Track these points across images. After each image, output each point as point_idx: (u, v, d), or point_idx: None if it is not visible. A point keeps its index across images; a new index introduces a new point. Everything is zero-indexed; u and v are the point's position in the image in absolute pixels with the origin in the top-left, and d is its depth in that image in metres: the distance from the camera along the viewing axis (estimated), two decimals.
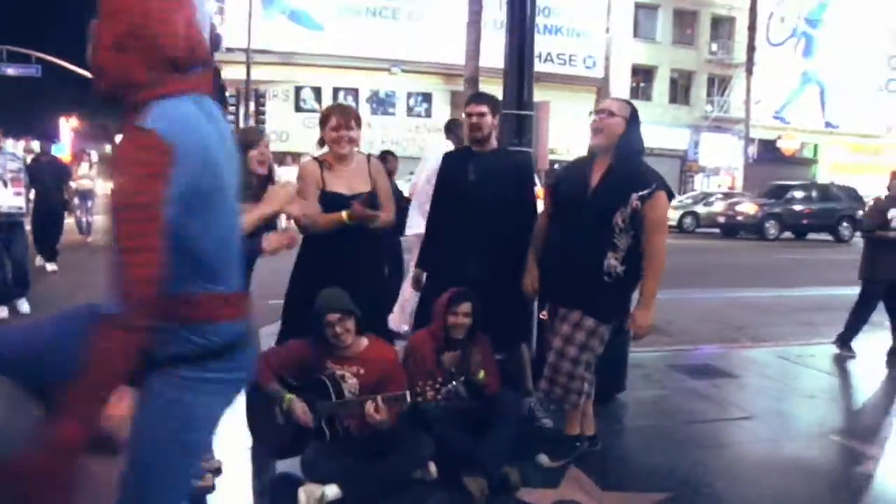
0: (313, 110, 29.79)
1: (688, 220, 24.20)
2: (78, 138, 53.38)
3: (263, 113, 25.09)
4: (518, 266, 4.05)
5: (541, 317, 4.46)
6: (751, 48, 32.97)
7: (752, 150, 34.48)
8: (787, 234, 22.64)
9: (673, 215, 21.67)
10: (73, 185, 12.60)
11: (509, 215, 4.06)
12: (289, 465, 3.50)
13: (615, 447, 4.07)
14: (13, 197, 6.97)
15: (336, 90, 30.07)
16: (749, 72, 32.73)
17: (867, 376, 6.07)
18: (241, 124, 25.60)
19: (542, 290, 3.83)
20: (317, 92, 30.30)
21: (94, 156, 16.17)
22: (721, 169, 36.24)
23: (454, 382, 3.27)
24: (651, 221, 3.46)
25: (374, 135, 28.62)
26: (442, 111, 31.84)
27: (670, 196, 3.58)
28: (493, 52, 26.34)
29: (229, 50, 25.82)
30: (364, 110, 30.83)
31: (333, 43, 28.49)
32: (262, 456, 3.63)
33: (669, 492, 3.49)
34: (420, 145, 27.26)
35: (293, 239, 3.25)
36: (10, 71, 30.41)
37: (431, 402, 3.25)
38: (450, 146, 5.67)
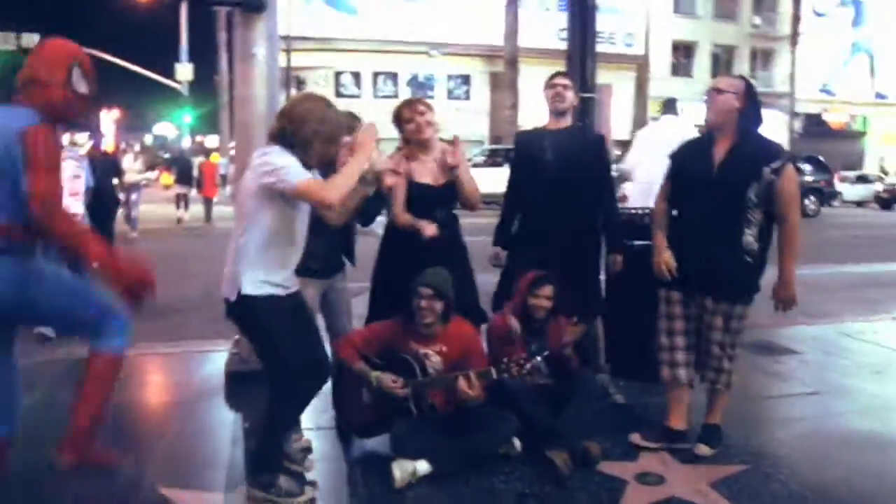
0: (353, 95, 30.04)
1: None
2: (120, 130, 54.44)
3: None
4: (592, 242, 4.15)
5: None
6: (796, 19, 32.26)
7: (798, 124, 33.82)
8: None
9: None
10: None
11: (585, 191, 4.14)
12: (375, 444, 3.67)
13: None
14: (73, 203, 6.36)
15: (375, 74, 30.26)
16: (794, 44, 32.04)
17: None
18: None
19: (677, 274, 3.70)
20: (356, 77, 30.51)
21: (137, 147, 15.63)
22: None
23: (538, 358, 3.39)
24: (787, 194, 3.43)
25: None
26: (481, 93, 31.86)
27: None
28: (533, 33, 26.37)
29: None
30: (404, 94, 30.91)
31: (372, 27, 28.60)
32: (348, 434, 3.80)
33: (744, 464, 3.57)
34: (460, 128, 27.27)
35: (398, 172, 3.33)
36: None
37: (516, 378, 3.38)
38: (672, 120, 5.81)
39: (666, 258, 3.66)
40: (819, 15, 35.04)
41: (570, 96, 4.23)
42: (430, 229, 3.76)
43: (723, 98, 3.52)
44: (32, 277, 2.91)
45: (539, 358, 3.42)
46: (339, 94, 30.11)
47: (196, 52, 32.27)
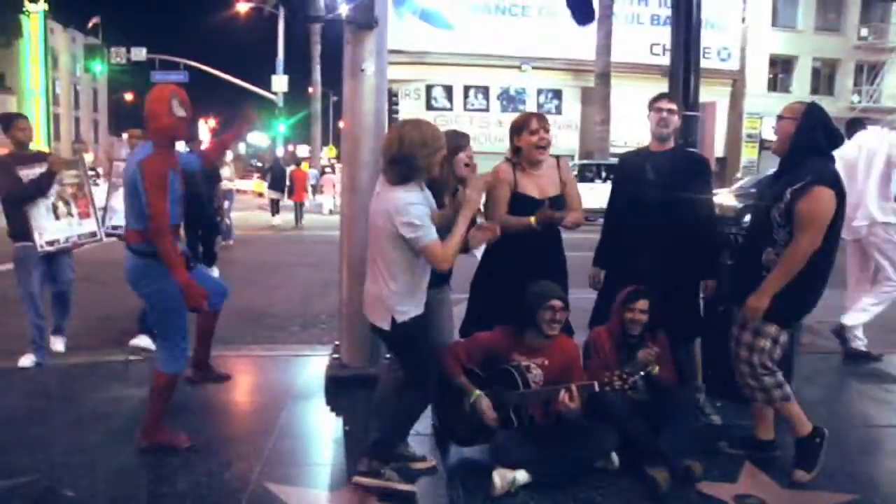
0: (445, 108, 30.40)
1: None
2: (214, 139, 56.62)
3: (396, 112, 25.63)
4: (692, 264, 4.13)
5: None
6: None
7: None
8: None
9: None
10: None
11: (686, 213, 4.13)
12: (473, 452, 3.75)
13: (790, 447, 4.04)
14: (78, 223, 5.49)
15: (467, 88, 30.54)
16: None
17: None
18: None
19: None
20: (448, 90, 30.85)
21: (230, 155, 16.14)
22: None
23: (642, 373, 3.40)
24: (801, 215, 3.39)
25: (504, 132, 28.66)
26: (572, 107, 31.70)
27: (839, 193, 3.44)
28: (625, 48, 26.00)
29: None
30: (495, 108, 31.10)
31: (464, 41, 28.87)
32: (446, 442, 3.87)
33: (851, 494, 3.46)
34: (552, 142, 27.16)
35: (493, 230, 3.40)
36: (159, 77, 32.41)
37: (617, 393, 3.39)
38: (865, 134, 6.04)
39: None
40: None
41: (675, 120, 4.22)
42: (572, 216, 3.96)
43: (783, 124, 3.59)
44: (146, 276, 3.68)
45: (642, 373, 3.42)
46: (430, 107, 30.51)
47: (290, 65, 33.43)
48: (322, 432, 4.16)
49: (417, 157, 3.17)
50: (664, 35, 31.74)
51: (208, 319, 4.66)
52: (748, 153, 32.86)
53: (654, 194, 4.15)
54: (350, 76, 4.68)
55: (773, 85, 33.83)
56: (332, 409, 4.48)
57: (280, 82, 32.71)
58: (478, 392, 3.58)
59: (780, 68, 34.20)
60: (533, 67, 30.61)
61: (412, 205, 3.14)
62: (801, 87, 33.71)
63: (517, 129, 4.05)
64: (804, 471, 3.58)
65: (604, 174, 21.12)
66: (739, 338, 3.63)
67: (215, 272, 8.35)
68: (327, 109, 49.29)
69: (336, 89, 52.04)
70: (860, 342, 5.93)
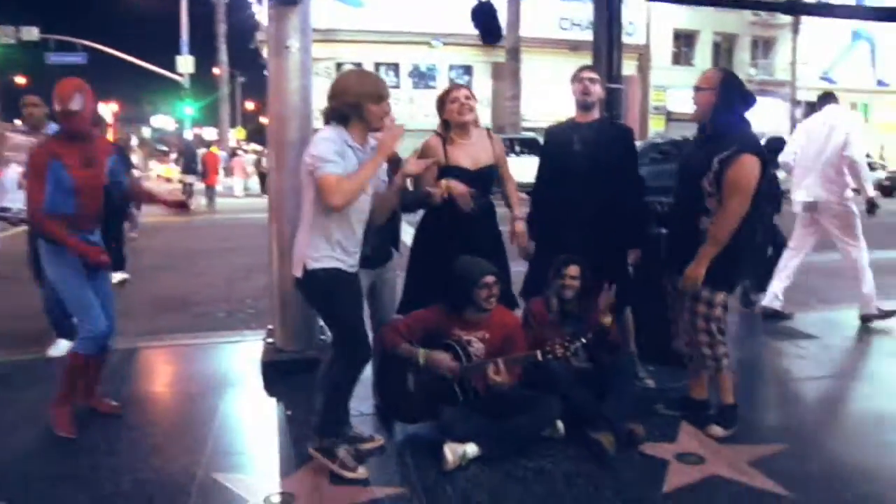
0: (392, 86, 30.02)
1: None
2: (118, 124, 54.27)
3: None
4: (622, 234, 4.23)
5: None
6: None
7: (799, 112, 33.85)
8: None
9: None
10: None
11: (614, 184, 4.21)
12: (418, 430, 3.76)
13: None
14: None
15: (377, 65, 30.11)
16: (795, 32, 32.03)
17: None
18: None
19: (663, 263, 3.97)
20: (395, 68, 30.56)
21: (135, 140, 15.55)
22: (766, 133, 35.58)
23: (582, 339, 3.47)
24: (728, 182, 3.52)
25: (416, 109, 28.69)
26: (483, 83, 31.77)
27: (763, 159, 3.59)
28: (534, 22, 26.17)
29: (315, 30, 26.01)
30: (406, 85, 30.92)
31: (374, 18, 28.55)
32: (391, 421, 3.86)
33: (781, 444, 3.65)
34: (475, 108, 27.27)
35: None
36: (55, 59, 30.71)
37: (560, 361, 3.45)
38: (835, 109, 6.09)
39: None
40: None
41: (597, 89, 4.28)
42: (459, 189, 3.86)
43: (701, 95, 3.68)
44: (47, 261, 3.76)
45: (584, 339, 3.49)
46: None
47: (195, 45, 32.27)
48: (263, 419, 4.07)
49: (348, 94, 3.12)
50: (573, 10, 32.40)
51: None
52: (655, 125, 33.82)
53: (581, 165, 4.21)
54: (274, 54, 4.54)
55: (678, 59, 34.90)
56: (272, 395, 4.40)
57: (185, 63, 31.49)
58: (423, 350, 3.58)
59: (683, 42, 35.30)
60: (444, 43, 30.53)
61: (323, 140, 3.10)
62: (703, 61, 34.88)
63: (441, 103, 4.07)
64: (722, 427, 3.77)
65: (517, 149, 21.31)
66: (695, 309, 3.71)
67: (118, 277, 7.77)
68: (234, 91, 47.86)
69: (243, 70, 50.66)
70: (778, 302, 6.23)
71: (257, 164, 28.05)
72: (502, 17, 23.60)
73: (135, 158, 10.27)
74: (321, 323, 4.92)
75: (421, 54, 30.85)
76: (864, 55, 36.83)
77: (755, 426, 3.91)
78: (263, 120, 46.06)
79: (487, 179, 4.13)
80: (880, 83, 37.18)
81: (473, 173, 4.02)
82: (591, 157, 4.19)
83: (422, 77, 31.25)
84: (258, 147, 35.98)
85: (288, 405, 4.16)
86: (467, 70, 32.11)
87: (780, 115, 34.24)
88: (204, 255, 10.97)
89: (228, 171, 29.27)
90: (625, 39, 22.47)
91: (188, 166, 21.31)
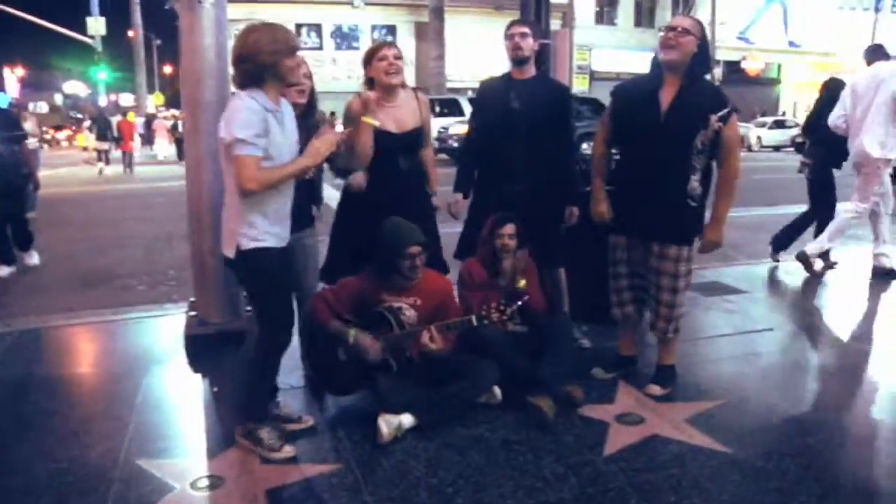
0: (314, 47, 29.21)
1: None
2: (24, 89, 51.47)
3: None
4: (554, 192, 4.15)
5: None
6: None
7: (718, 71, 34.59)
8: None
9: None
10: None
11: (550, 141, 4.11)
12: (350, 401, 3.62)
13: (653, 363, 4.22)
14: None
15: (298, 26, 29.32)
16: None
17: (857, 285, 6.34)
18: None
19: (617, 220, 3.81)
20: (317, 29, 29.85)
21: (31, 107, 14.57)
22: None
23: (519, 302, 3.38)
24: (730, 140, 3.49)
25: (339, 70, 28.16)
26: (407, 43, 31.32)
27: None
28: None
29: None
30: (328, 46, 30.26)
31: None
32: (321, 393, 3.71)
33: (717, 400, 3.67)
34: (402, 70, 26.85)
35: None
36: None
37: (496, 325, 3.36)
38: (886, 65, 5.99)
39: (603, 209, 3.82)
40: None
41: (530, 44, 4.15)
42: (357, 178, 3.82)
43: (688, 40, 3.44)
44: None
45: (520, 302, 3.40)
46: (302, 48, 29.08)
47: (106, 5, 30.65)
48: (189, 397, 3.85)
49: (262, 53, 2.86)
50: None
51: None
52: (579, 84, 34.06)
53: (519, 121, 4.10)
54: (187, 8, 4.23)
55: (601, 18, 35.09)
56: (196, 371, 4.19)
57: (97, 25, 29.85)
58: (354, 330, 3.44)
59: (606, 2, 35.48)
60: (366, 3, 29.93)
61: (243, 110, 2.83)
62: (626, 20, 35.28)
63: (367, 60, 3.86)
64: (660, 386, 3.78)
65: (437, 109, 21.06)
66: (675, 270, 3.62)
67: (35, 258, 7.48)
68: (151, 54, 45.86)
69: (159, 32, 48.67)
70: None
71: (173, 129, 27.14)
72: None
73: (28, 125, 9.49)
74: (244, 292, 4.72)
75: (343, 14, 30.16)
76: (777, 17, 37.84)
77: (691, 384, 3.91)
78: None
79: (415, 143, 3.98)
80: (792, 44, 38.31)
81: (401, 137, 3.87)
82: (528, 114, 4.07)
83: (344, 38, 30.62)
84: (177, 112, 34.71)
85: (214, 381, 3.97)
86: (391, 30, 31.59)
87: None
88: (123, 224, 10.52)
89: (148, 138, 28.31)
90: None
91: (102, 133, 21.09)
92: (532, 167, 4.08)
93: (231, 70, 3.04)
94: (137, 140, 25.41)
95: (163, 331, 4.91)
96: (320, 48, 30.24)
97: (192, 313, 4.60)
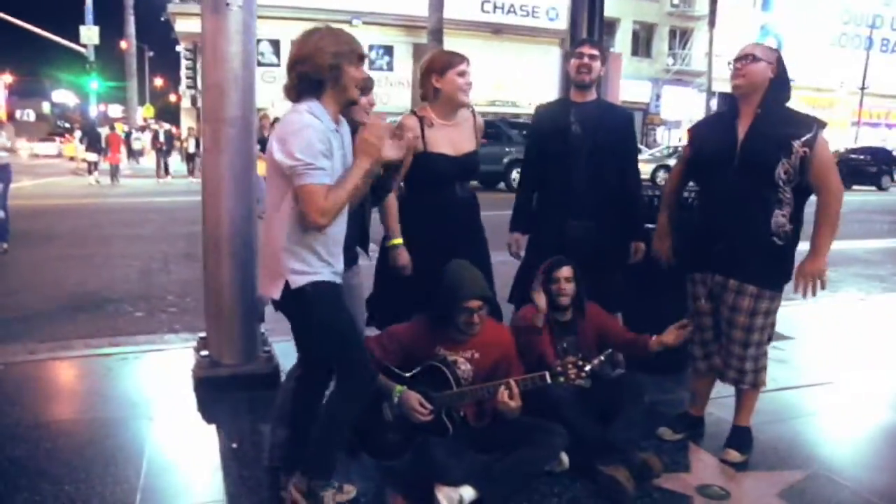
0: (272, 64, 28.79)
1: (661, 174, 24.04)
2: (11, 97, 50.73)
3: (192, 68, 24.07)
4: (625, 227, 3.75)
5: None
6: (713, 1, 32.86)
7: (714, 102, 34.59)
8: None
9: (645, 169, 21.37)
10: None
11: (615, 170, 3.72)
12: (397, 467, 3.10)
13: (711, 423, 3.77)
14: None
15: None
16: (711, 24, 32.66)
17: None
18: (200, 79, 24.53)
19: (690, 260, 3.45)
20: (275, 45, 29.22)
21: (30, 115, 14.24)
22: (682, 121, 36.35)
23: (601, 357, 2.93)
24: (821, 164, 3.08)
25: None
26: (404, 64, 31.15)
27: None
28: (456, 4, 25.78)
29: (183, 1, 24.55)
30: None
31: None
32: (360, 458, 3.17)
33: (803, 469, 3.27)
34: (383, 100, 26.56)
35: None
36: None
37: (573, 383, 2.90)
38: None
39: (666, 246, 3.51)
40: None
41: (598, 66, 3.76)
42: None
43: (759, 67, 3.16)
44: None
45: (602, 357, 2.94)
46: (258, 63, 28.68)
47: (100, 15, 30.17)
48: (204, 455, 3.30)
49: (324, 54, 2.43)
50: None
51: None
52: None
53: (579, 147, 3.71)
54: (211, 10, 3.80)
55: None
56: (210, 422, 3.65)
57: (90, 34, 29.22)
58: (400, 387, 2.97)
59: (605, 30, 35.43)
60: (364, 23, 29.65)
61: (305, 128, 2.39)
62: (623, 49, 35.17)
63: (439, 69, 3.39)
64: (738, 451, 3.37)
65: None
66: (752, 321, 3.24)
67: None
68: (143, 66, 45.36)
69: (152, 44, 48.17)
70: None
71: (154, 140, 26.65)
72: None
73: (2, 138, 8.64)
74: (262, 330, 4.24)
75: None
76: None
77: (767, 447, 3.48)
78: (173, 98, 44.05)
79: (472, 167, 3.56)
80: None
81: (457, 161, 3.44)
82: (591, 140, 3.68)
83: None
84: (167, 125, 34.13)
85: (231, 434, 3.45)
86: (388, 51, 31.40)
87: (697, 104, 34.94)
88: (115, 242, 9.95)
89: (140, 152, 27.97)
90: (547, 24, 22.56)
91: (91, 144, 21.15)
92: (598, 200, 3.68)
93: (284, 78, 2.56)
94: (123, 152, 25.23)
95: (167, 369, 4.39)
96: None
97: (204, 353, 4.09)
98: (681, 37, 36.86)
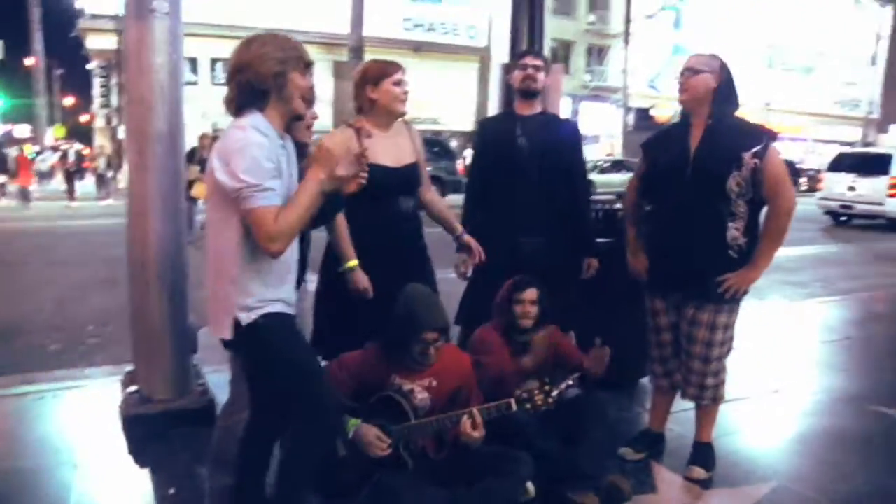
0: (190, 82, 27.98)
1: None
2: None
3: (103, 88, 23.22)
4: (576, 243, 3.65)
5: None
6: (628, 19, 33.81)
7: (631, 117, 35.53)
8: None
9: None
10: None
11: (564, 184, 3.61)
12: None
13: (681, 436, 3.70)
14: None
15: (214, 61, 28.35)
16: (627, 42, 33.60)
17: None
18: (114, 97, 23.70)
19: (651, 279, 3.36)
20: (193, 63, 28.41)
21: None
22: (600, 136, 37.15)
23: (569, 382, 2.77)
24: (773, 176, 3.04)
25: None
26: (325, 82, 30.71)
27: None
28: (377, 22, 25.67)
29: (94, 17, 23.64)
30: None
31: (209, 11, 26.72)
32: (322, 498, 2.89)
33: (767, 482, 3.24)
34: None
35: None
36: None
37: (540, 410, 2.74)
38: None
39: (641, 262, 3.39)
40: (648, 17, 36.94)
41: (542, 77, 3.67)
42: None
43: (700, 78, 3.12)
44: None
45: (570, 382, 2.79)
46: None
47: (4, 31, 28.82)
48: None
49: (268, 61, 2.22)
50: (417, 10, 32.22)
51: None
52: None
53: (526, 161, 3.59)
54: (135, 18, 3.50)
55: None
56: (144, 466, 3.31)
57: None
58: (354, 420, 2.76)
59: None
60: None
61: (249, 145, 2.14)
62: None
63: (373, 80, 3.20)
64: (703, 468, 3.30)
65: None
66: (694, 334, 3.20)
67: None
68: (52, 84, 43.45)
69: (62, 61, 46.19)
70: None
71: (62, 161, 25.62)
72: (346, 15, 23.08)
73: None
74: (194, 361, 3.94)
75: None
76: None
77: (727, 461, 3.43)
78: (86, 117, 42.31)
79: (414, 179, 3.38)
80: None
81: (400, 172, 3.26)
82: (538, 153, 3.56)
83: None
84: (80, 145, 32.71)
85: (168, 479, 3.14)
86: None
87: (614, 119, 35.82)
88: (27, 269, 9.31)
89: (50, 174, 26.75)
90: (467, 42, 22.72)
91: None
92: (548, 215, 3.56)
93: (225, 89, 2.32)
94: (35, 175, 24.05)
95: (91, 407, 4.02)
96: None
97: (132, 388, 3.75)
98: (598, 54, 37.75)
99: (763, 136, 3.08)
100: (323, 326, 3.31)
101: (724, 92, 3.13)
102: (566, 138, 3.72)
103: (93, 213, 16.82)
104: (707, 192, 3.07)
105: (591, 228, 3.85)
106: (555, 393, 2.72)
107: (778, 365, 5.16)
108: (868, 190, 15.84)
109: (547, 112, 3.79)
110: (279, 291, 2.33)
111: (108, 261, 8.79)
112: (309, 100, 2.43)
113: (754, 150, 3.02)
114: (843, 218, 16.90)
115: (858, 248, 13.09)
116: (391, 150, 3.25)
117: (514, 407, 2.72)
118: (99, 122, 25.87)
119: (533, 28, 4.47)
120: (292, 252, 2.39)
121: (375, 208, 3.21)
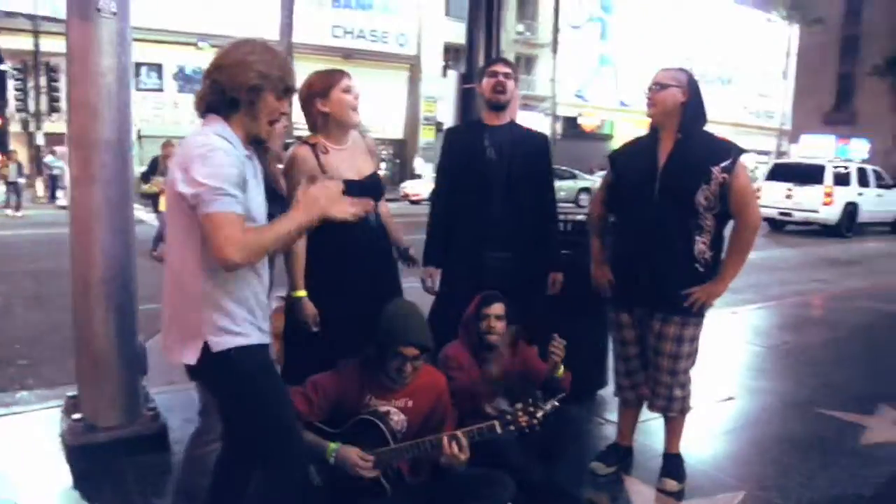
0: (154, 89, 27.21)
1: None
2: None
3: (57, 90, 22.04)
4: (542, 257, 3.59)
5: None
6: (556, 29, 34.39)
7: (559, 125, 36.13)
8: None
9: None
10: None
11: (532, 197, 3.56)
12: None
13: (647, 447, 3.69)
14: None
15: (138, 66, 27.38)
16: (555, 52, 34.16)
17: None
18: (31, 101, 22.61)
19: (617, 293, 3.34)
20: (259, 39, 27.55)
21: None
22: None
23: (554, 402, 2.70)
24: (739, 191, 3.06)
25: (181, 114, 26.59)
26: None
27: None
28: (306, 28, 25.43)
29: (9, 14, 22.50)
30: (170, 88, 28.60)
31: (134, 14, 25.80)
32: None
33: (737, 491, 3.27)
34: None
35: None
36: None
37: (524, 430, 2.65)
38: None
39: (605, 271, 3.37)
40: (574, 27, 37.69)
41: (512, 86, 3.60)
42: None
43: (667, 93, 3.12)
44: None
45: (556, 402, 2.71)
46: None
47: None
48: None
49: (248, 69, 2.06)
50: (345, 17, 31.96)
51: None
52: (426, 135, 34.26)
53: (495, 173, 3.52)
54: (80, 18, 3.28)
55: (447, 71, 35.64)
56: (94, 501, 3.07)
57: None
58: (335, 444, 2.62)
59: (453, 56, 36.13)
60: (211, 45, 28.46)
61: (213, 151, 1.98)
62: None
63: (321, 92, 3.05)
64: (675, 480, 3.30)
65: None
66: (661, 348, 3.19)
67: None
68: None
69: None
70: None
71: None
72: (273, 22, 22.66)
73: None
74: (144, 382, 3.71)
75: (187, 56, 28.45)
76: (609, 78, 40.33)
77: (697, 471, 3.44)
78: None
79: (376, 190, 3.25)
80: (622, 103, 40.89)
81: (362, 184, 3.12)
82: (507, 165, 3.50)
83: (187, 80, 28.82)
84: None
85: None
86: None
87: (542, 127, 36.10)
88: None
89: None
90: (397, 50, 22.74)
91: None
92: (515, 229, 3.50)
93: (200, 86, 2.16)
94: None
95: (27, 437, 3.73)
96: (161, 90, 28.39)
97: (77, 416, 3.50)
98: (526, 63, 38.23)
99: (731, 150, 3.10)
100: (290, 349, 3.14)
101: (693, 106, 3.13)
102: (535, 150, 3.67)
103: (15, 223, 15.94)
104: (675, 206, 3.07)
105: (557, 242, 3.80)
106: (540, 415, 2.63)
107: (724, 372, 5.23)
108: (804, 198, 16.87)
109: (514, 122, 3.72)
110: (259, 316, 2.16)
111: (37, 274, 8.38)
112: (273, 121, 2.27)
113: (723, 164, 3.03)
114: (781, 224, 17.83)
115: (794, 253, 13.68)
116: (351, 162, 3.13)
117: (499, 430, 2.61)
118: (14, 128, 24.62)
119: (490, 37, 4.42)
120: (263, 265, 2.21)
121: (342, 223, 3.07)
